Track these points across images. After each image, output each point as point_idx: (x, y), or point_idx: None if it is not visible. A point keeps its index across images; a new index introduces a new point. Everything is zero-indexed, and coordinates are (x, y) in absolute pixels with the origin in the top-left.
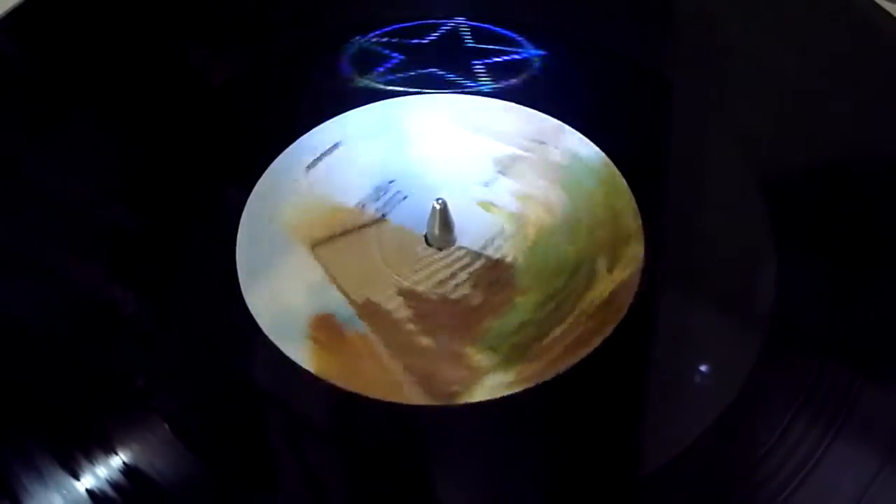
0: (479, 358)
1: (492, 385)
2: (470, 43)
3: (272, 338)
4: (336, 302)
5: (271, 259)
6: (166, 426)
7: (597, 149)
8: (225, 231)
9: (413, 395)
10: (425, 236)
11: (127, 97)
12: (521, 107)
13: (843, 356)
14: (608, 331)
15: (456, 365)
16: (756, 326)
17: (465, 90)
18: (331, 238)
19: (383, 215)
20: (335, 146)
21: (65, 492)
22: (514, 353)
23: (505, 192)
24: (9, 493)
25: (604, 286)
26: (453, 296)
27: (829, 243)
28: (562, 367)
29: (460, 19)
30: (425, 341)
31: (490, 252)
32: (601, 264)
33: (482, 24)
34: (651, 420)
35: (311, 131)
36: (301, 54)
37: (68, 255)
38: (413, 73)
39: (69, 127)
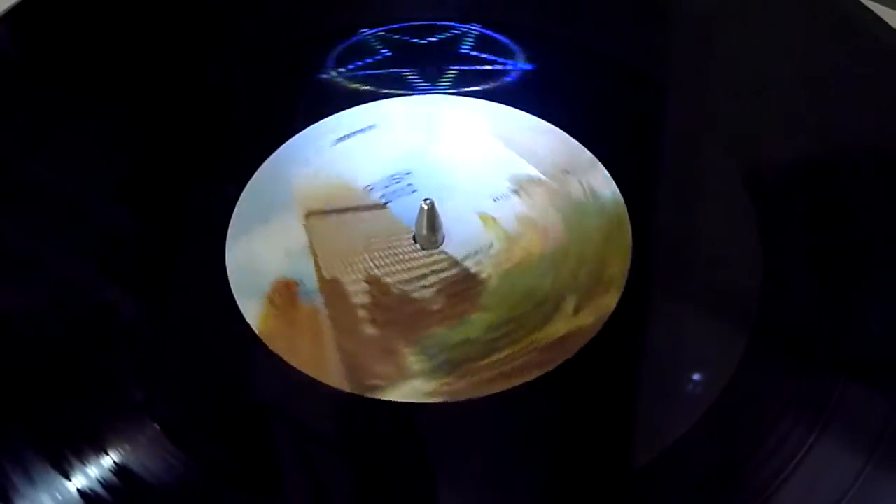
0: (412, 360)
1: (411, 389)
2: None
3: (234, 290)
4: (306, 273)
5: (266, 216)
6: (157, 426)
7: (616, 190)
8: (217, 231)
9: (335, 379)
10: (413, 234)
11: (122, 96)
12: (561, 131)
13: (827, 357)
14: (550, 367)
15: (386, 361)
16: (741, 327)
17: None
18: (326, 211)
19: (385, 203)
20: (370, 127)
21: (56, 492)
22: (445, 366)
23: (510, 210)
24: (1, 494)
25: (562, 326)
26: (415, 295)
27: (815, 245)
28: (488, 391)
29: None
30: (370, 330)
31: (469, 264)
32: (569, 304)
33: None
34: (635, 421)
35: (352, 109)
36: (297, 54)
37: (59, 254)
38: (395, 72)
39: (63, 125)
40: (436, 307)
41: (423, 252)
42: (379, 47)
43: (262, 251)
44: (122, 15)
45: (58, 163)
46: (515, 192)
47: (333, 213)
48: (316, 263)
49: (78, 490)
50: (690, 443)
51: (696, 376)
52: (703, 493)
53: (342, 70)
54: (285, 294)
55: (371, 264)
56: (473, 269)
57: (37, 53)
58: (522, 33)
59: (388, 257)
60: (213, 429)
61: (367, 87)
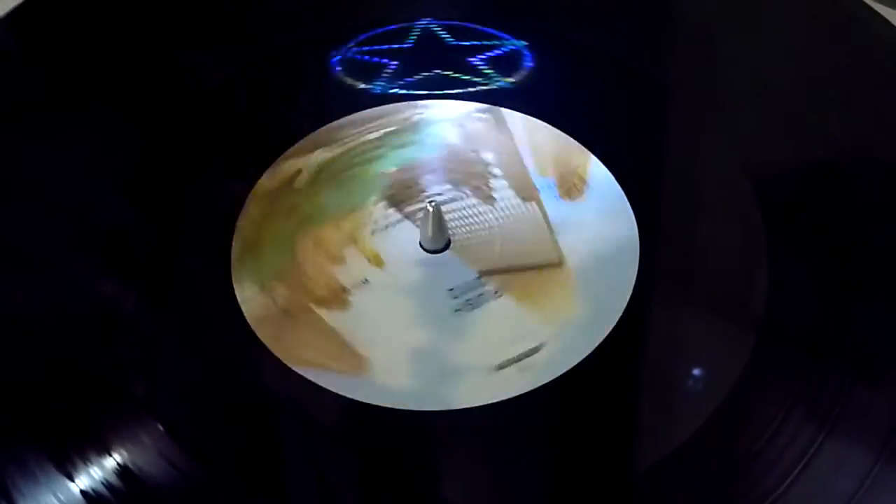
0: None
1: None
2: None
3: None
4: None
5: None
6: (160, 427)
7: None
8: (221, 230)
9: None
10: (420, 244)
11: (126, 96)
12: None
13: (834, 356)
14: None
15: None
16: (748, 327)
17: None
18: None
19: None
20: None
21: (59, 492)
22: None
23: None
24: (3, 494)
25: None
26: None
27: (820, 245)
28: None
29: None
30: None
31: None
32: None
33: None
34: (643, 420)
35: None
36: (298, 55)
37: (63, 255)
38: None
39: (67, 126)
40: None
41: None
42: (381, 48)
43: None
44: (125, 14)
45: (61, 163)
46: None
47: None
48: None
49: (81, 491)
50: (698, 444)
51: (703, 378)
52: (712, 494)
53: (345, 71)
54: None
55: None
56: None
57: (40, 53)
58: (524, 34)
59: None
60: (216, 429)
61: (370, 88)
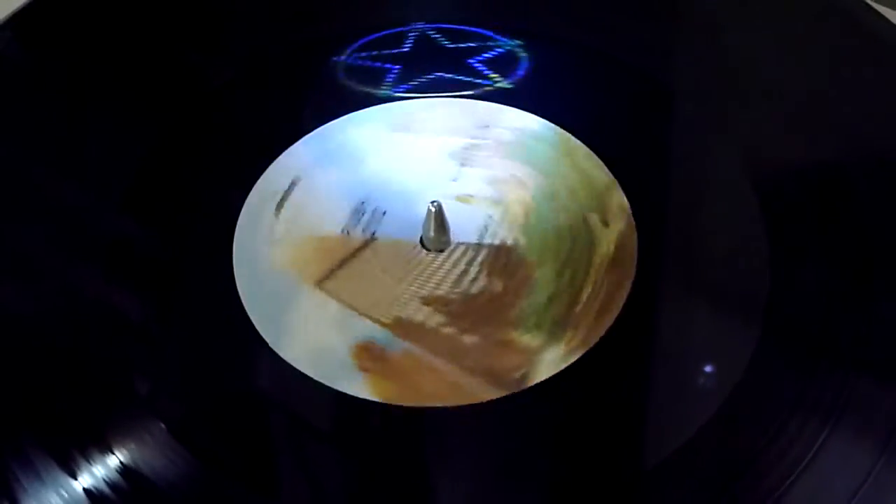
0: (527, 339)
1: (553, 360)
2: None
3: (324, 381)
4: (367, 328)
5: (285, 305)
6: (163, 426)
7: (542, 119)
8: (223, 232)
9: (480, 392)
10: (420, 241)
11: (128, 99)
12: (452, 100)
13: (838, 353)
14: (627, 287)
15: (508, 353)
16: (751, 326)
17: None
18: (331, 270)
19: (372, 234)
20: (294, 183)
21: (62, 491)
22: (556, 326)
23: (476, 181)
24: (7, 492)
25: (607, 241)
26: (474, 290)
27: (823, 242)
28: (601, 329)
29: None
30: (469, 340)
31: (489, 240)
32: (595, 221)
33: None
34: (647, 417)
35: (264, 173)
36: (300, 57)
37: (66, 256)
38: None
39: (69, 129)
40: (499, 288)
41: (443, 254)
42: (383, 49)
43: (314, 336)
44: (128, 17)
45: (63, 166)
46: (463, 164)
47: (338, 268)
48: (367, 316)
49: (84, 489)
50: (702, 441)
51: (707, 375)
52: (716, 491)
53: (348, 72)
54: (371, 356)
55: (413, 289)
56: (497, 242)
57: (42, 57)
58: (525, 34)
59: (419, 274)
60: (219, 429)
61: (373, 90)
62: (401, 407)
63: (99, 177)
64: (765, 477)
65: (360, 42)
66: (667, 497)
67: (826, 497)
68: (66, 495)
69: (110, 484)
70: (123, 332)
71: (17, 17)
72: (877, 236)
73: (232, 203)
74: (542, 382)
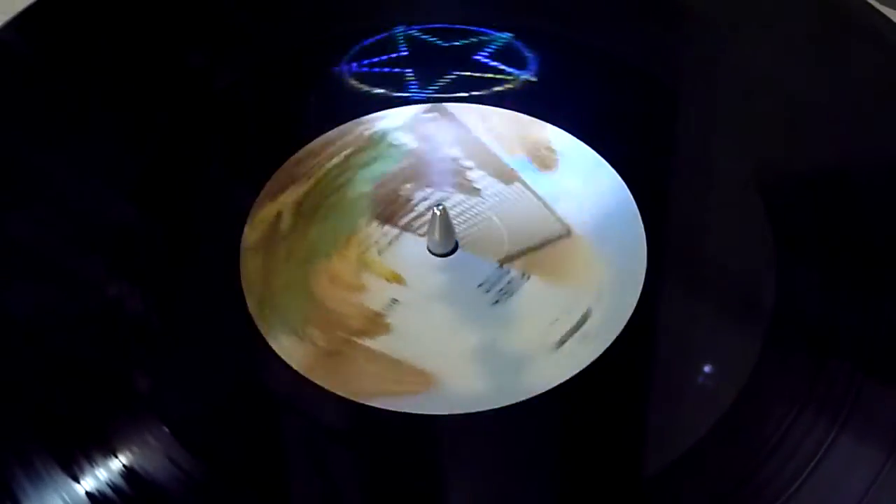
0: None
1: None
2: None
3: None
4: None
5: None
6: (166, 429)
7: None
8: (229, 233)
9: None
10: (427, 248)
11: (133, 99)
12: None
13: (844, 354)
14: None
15: None
16: (758, 326)
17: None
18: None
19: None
20: None
21: (65, 494)
22: None
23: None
24: (9, 495)
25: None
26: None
27: (829, 242)
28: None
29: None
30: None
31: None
32: None
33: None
34: (655, 420)
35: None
36: (306, 58)
37: (70, 256)
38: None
39: (75, 128)
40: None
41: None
42: (384, 50)
43: None
44: (133, 18)
45: (69, 165)
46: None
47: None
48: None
49: (87, 492)
50: (710, 444)
51: (713, 378)
52: (725, 494)
53: (353, 73)
54: None
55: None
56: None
57: (48, 56)
58: (527, 35)
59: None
60: (222, 431)
61: (378, 91)
62: (405, 412)
63: (104, 177)
64: (773, 479)
65: (364, 43)
66: (675, 500)
67: (835, 498)
68: (68, 498)
69: (113, 487)
70: (126, 335)
71: (24, 16)
72: (883, 237)
73: (238, 205)
74: (549, 388)
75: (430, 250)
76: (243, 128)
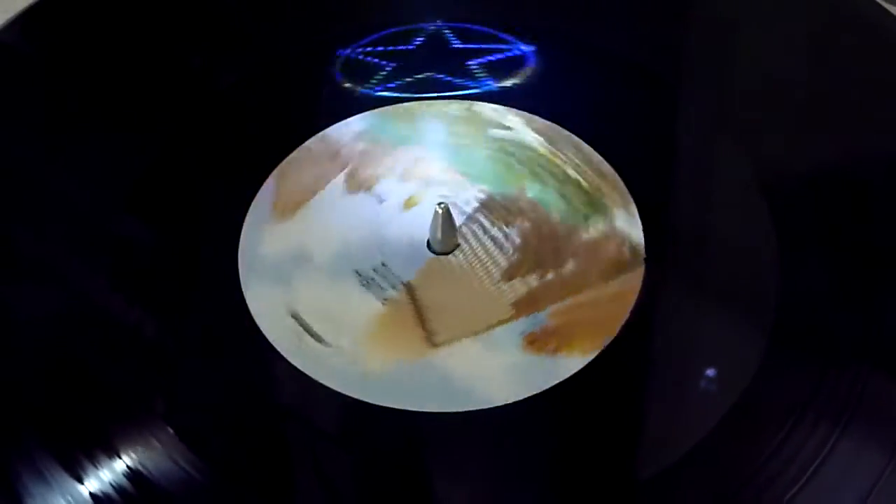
0: (593, 230)
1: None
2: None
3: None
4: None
5: None
6: (170, 430)
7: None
8: (229, 234)
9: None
10: (427, 244)
11: (133, 99)
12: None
13: (847, 355)
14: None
15: (606, 243)
16: (760, 327)
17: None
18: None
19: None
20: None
21: (69, 496)
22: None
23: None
24: (13, 497)
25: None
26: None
27: (832, 242)
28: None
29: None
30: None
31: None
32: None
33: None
34: (657, 421)
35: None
36: (306, 59)
37: (73, 259)
38: (410, 79)
39: (77, 128)
40: (528, 224)
41: (460, 259)
42: (386, 51)
43: None
44: (135, 17)
45: (70, 165)
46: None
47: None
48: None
49: (91, 494)
50: (713, 445)
51: (716, 378)
52: (728, 494)
53: (353, 74)
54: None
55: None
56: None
57: (50, 56)
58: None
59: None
60: (226, 433)
61: (379, 91)
62: (408, 411)
63: (105, 177)
64: (776, 480)
65: (365, 40)
66: (678, 500)
67: (838, 498)
68: (72, 499)
69: (117, 488)
70: (130, 336)
71: (25, 16)
72: (887, 236)
73: (237, 206)
74: (550, 386)
75: (430, 248)
76: (244, 128)
